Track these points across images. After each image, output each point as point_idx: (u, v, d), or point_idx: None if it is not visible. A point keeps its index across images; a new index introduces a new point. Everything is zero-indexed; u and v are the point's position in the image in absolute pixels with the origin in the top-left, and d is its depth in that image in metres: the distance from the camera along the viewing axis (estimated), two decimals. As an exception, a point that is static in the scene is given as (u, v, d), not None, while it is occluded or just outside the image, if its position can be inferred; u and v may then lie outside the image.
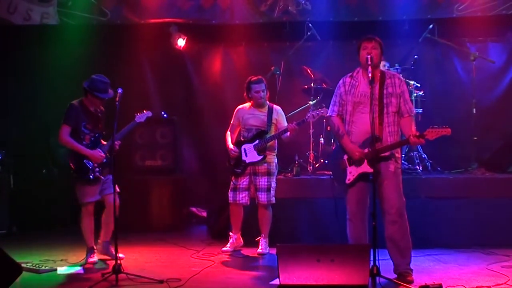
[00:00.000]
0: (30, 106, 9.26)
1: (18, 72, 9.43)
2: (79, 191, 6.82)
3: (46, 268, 6.57)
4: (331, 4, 9.11)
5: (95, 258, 6.91)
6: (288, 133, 7.14)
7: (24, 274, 5.82)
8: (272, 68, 8.66)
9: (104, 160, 6.80)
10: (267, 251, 7.27)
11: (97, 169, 6.77)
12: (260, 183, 7.24)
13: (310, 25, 8.73)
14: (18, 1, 9.13)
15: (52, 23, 9.24)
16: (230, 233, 7.52)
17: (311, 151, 8.38)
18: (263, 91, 7.33)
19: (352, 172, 5.92)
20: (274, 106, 7.43)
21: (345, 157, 5.97)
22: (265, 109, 7.38)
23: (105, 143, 6.92)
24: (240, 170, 7.32)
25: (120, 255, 6.59)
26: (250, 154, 7.28)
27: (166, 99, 9.81)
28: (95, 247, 6.98)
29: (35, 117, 9.29)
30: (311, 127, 8.38)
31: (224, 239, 7.60)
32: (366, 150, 5.79)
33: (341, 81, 6.13)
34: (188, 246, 7.74)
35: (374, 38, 5.98)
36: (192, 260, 7.07)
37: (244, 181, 7.31)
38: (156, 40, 9.53)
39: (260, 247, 7.29)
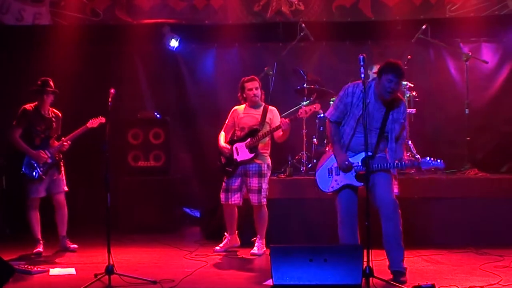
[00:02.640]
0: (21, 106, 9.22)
1: (10, 73, 9.38)
2: (26, 188, 7.44)
3: (38, 269, 6.54)
4: (324, 5, 9.12)
5: (39, 248, 7.41)
6: (281, 129, 7.08)
7: (16, 275, 5.80)
8: (265, 68, 8.65)
9: (49, 161, 7.40)
10: (262, 252, 7.25)
11: (41, 168, 7.36)
12: (251, 184, 7.21)
13: (303, 25, 8.73)
14: (10, 1, 9.10)
15: (45, 24, 9.21)
16: (225, 234, 7.52)
17: (304, 152, 8.39)
18: (256, 89, 7.32)
19: (337, 181, 5.93)
20: (270, 106, 7.41)
21: (334, 165, 5.97)
22: (260, 109, 7.37)
23: (57, 143, 7.52)
24: (231, 169, 7.30)
25: (75, 245, 7.55)
26: (241, 153, 7.26)
27: (159, 99, 9.80)
28: (40, 239, 7.48)
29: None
30: (304, 127, 8.38)
31: (217, 239, 7.59)
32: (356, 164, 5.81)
33: (350, 89, 5.91)
34: (181, 246, 7.74)
35: (402, 75, 5.78)
36: (185, 260, 7.06)
37: (236, 182, 7.28)
38: (149, 40, 9.52)
39: (254, 248, 7.28)
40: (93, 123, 7.53)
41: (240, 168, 7.28)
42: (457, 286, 5.61)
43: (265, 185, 7.25)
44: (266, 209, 7.29)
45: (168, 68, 9.81)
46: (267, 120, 7.31)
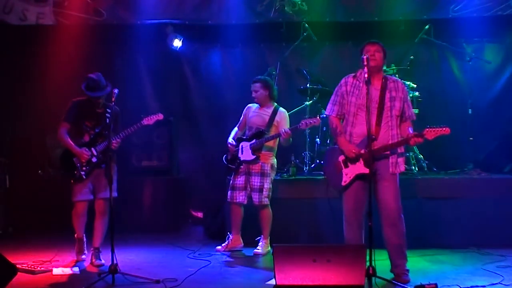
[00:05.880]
0: (25, 106, 9.25)
1: (13, 72, 9.40)
2: (71, 190, 6.77)
3: (42, 268, 6.55)
4: (327, 5, 9.10)
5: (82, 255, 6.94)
6: (281, 137, 7.14)
7: (19, 275, 5.81)
8: (268, 68, 8.67)
9: (94, 160, 6.70)
10: (265, 251, 7.25)
11: (84, 167, 6.69)
12: (253, 183, 7.23)
13: (306, 25, 8.74)
14: (13, 1, 9.10)
15: (48, 23, 9.22)
16: (228, 233, 7.51)
17: (307, 152, 8.39)
18: (255, 91, 7.37)
19: (348, 174, 5.90)
20: (280, 108, 7.41)
21: (341, 158, 5.95)
22: (271, 110, 7.38)
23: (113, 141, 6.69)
24: (234, 166, 7.33)
25: (102, 261, 6.75)
26: (245, 152, 7.27)
27: (162, 100, 9.80)
28: (84, 238, 6.95)
29: (30, 117, 9.28)
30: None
31: (220, 239, 7.60)
32: (363, 151, 5.78)
33: (343, 80, 6.06)
34: (185, 246, 7.75)
35: (377, 42, 6.02)
36: (188, 260, 7.07)
37: (240, 180, 7.30)
38: (152, 40, 9.52)
39: (257, 247, 7.28)
40: (149, 120, 6.78)
41: (243, 166, 7.30)
42: (459, 286, 5.62)
43: (267, 185, 7.24)
44: (269, 209, 7.29)
45: (171, 68, 9.82)
46: (274, 122, 7.31)
